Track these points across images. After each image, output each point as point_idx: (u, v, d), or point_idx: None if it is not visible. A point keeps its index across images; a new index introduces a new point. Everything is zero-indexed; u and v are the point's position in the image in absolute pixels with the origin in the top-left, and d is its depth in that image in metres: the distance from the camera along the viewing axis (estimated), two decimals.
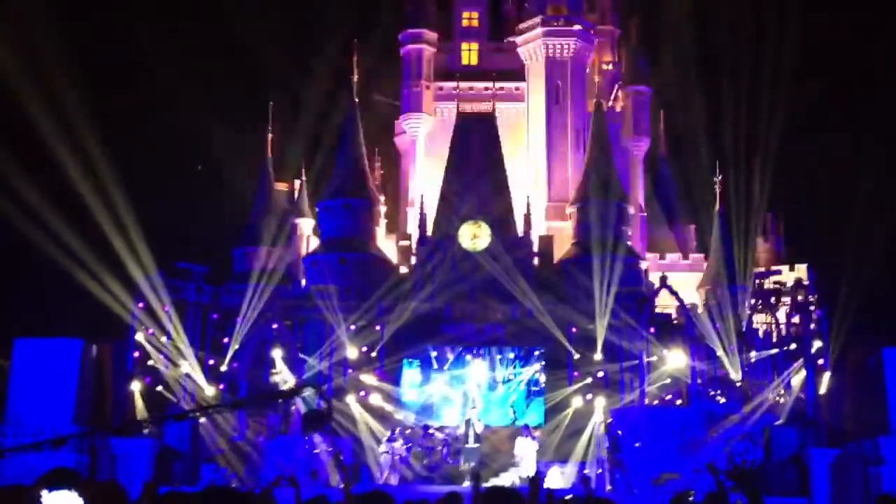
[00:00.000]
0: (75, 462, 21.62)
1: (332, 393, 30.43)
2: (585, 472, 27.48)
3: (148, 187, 36.22)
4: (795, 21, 33.37)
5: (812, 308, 28.98)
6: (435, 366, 32.08)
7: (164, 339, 27.77)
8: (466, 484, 24.88)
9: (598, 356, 31.01)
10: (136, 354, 26.97)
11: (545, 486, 23.04)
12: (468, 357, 32.18)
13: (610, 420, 28.75)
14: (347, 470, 13.89)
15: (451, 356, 32.17)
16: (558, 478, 27.74)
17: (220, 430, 27.86)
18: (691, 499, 11.98)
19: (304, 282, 37.34)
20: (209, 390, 28.56)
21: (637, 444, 26.25)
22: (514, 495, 4.73)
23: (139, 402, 26.72)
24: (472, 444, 26.49)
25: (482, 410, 30.78)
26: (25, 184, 23.66)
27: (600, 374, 30.78)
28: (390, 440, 28.04)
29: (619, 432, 27.41)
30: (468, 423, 26.73)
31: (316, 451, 27.82)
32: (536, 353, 32.02)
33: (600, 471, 27.65)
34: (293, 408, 28.03)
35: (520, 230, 36.07)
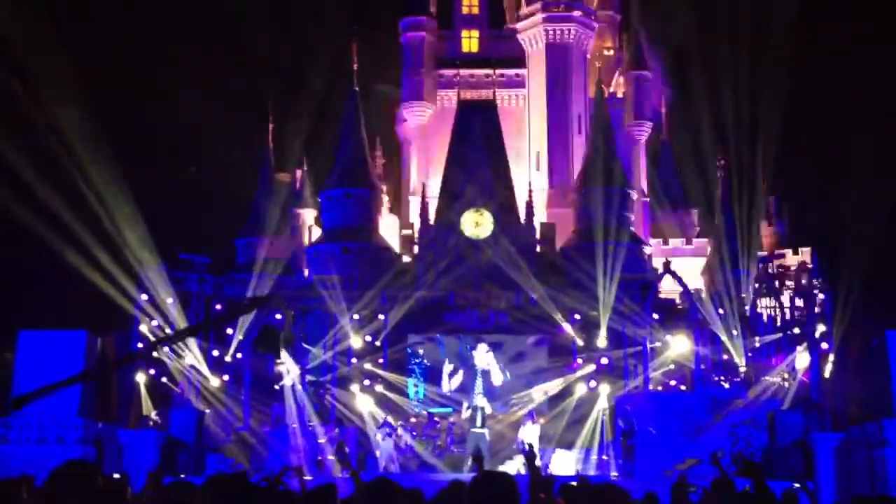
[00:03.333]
0: (82, 454, 21.66)
1: (336, 383, 30.45)
2: (604, 457, 27.54)
3: (150, 178, 36.19)
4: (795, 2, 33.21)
5: (816, 291, 28.93)
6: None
7: (168, 330, 27.79)
8: (468, 470, 24.89)
9: (601, 342, 30.99)
10: (141, 346, 26.97)
11: (551, 471, 23.07)
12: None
13: (612, 405, 28.78)
14: (350, 459, 13.87)
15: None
16: (563, 463, 27.76)
17: (226, 420, 27.91)
18: (693, 489, 11.99)
19: (306, 272, 37.35)
20: (214, 381, 28.61)
21: (652, 430, 26.24)
22: (508, 480, 4.71)
23: (144, 394, 26.77)
24: (479, 428, 26.54)
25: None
26: (28, 176, 23.65)
27: (604, 360, 30.77)
28: (386, 426, 28.06)
29: (632, 419, 27.36)
30: (475, 408, 26.78)
31: (321, 440, 27.86)
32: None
33: (606, 457, 27.68)
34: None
35: (522, 217, 36.03)
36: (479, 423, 26.52)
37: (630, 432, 26.92)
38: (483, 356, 31.18)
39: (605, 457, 27.80)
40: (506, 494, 4.43)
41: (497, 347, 32.70)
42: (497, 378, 28.09)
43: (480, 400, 27.32)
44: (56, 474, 4.48)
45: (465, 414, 27.75)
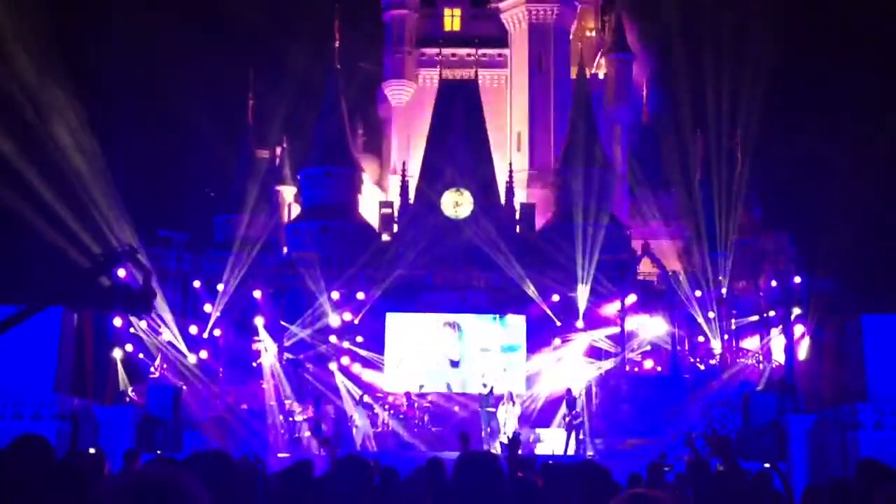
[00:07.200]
0: (57, 430, 21.52)
1: (314, 361, 30.43)
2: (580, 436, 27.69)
3: (128, 154, 35.85)
4: None
5: (792, 275, 29.18)
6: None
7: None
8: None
9: (579, 323, 31.12)
10: (118, 322, 26.79)
11: (538, 451, 23.24)
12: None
13: (589, 386, 28.96)
14: (327, 437, 13.92)
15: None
16: (545, 442, 27.94)
17: (203, 398, 27.85)
18: (667, 469, 12.09)
19: (285, 249, 37.23)
20: (191, 358, 28.52)
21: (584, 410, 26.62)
22: (492, 461, 4.73)
23: (121, 370, 26.62)
24: (490, 408, 26.91)
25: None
26: (3, 148, 23.35)
27: (582, 340, 30.89)
28: (363, 405, 28.08)
29: (576, 396, 27.59)
30: (491, 392, 27.20)
31: (298, 418, 27.87)
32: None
33: (581, 436, 27.83)
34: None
35: (502, 197, 36.03)
36: (489, 403, 26.86)
37: (572, 411, 27.22)
38: (486, 335, 31.62)
39: (580, 436, 27.96)
40: (491, 473, 4.46)
41: (475, 327, 32.70)
42: (484, 358, 28.28)
43: (488, 381, 27.67)
44: (9, 451, 4.46)
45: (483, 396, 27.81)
